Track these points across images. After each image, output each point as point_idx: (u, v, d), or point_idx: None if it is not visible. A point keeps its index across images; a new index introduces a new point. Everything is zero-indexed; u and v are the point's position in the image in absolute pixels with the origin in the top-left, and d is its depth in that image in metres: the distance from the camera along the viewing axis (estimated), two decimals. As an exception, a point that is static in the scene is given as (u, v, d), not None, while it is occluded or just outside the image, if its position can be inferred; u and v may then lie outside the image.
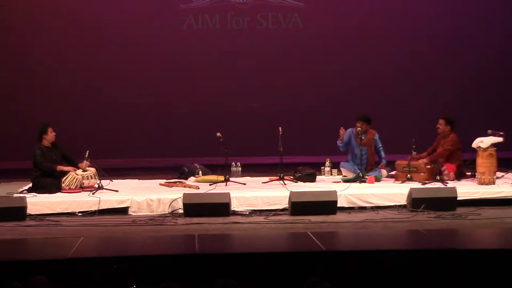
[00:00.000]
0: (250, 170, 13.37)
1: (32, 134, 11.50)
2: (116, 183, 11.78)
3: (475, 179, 11.67)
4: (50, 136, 11.34)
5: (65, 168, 11.21)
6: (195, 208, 10.39)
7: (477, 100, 15.39)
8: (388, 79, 15.39)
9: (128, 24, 15.10)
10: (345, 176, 12.30)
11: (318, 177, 12.37)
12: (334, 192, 10.64)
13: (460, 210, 10.46)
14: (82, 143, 12.56)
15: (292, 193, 10.57)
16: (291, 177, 12.17)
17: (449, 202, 10.58)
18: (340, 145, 12.25)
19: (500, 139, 11.57)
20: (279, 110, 15.05)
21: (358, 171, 11.98)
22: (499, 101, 15.41)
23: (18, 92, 14.97)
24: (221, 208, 10.39)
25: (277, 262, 7.85)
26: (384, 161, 12.37)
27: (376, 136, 12.40)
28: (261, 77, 15.33)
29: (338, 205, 10.54)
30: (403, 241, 9.28)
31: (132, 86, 15.15)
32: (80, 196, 10.82)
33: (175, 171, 12.88)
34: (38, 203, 10.50)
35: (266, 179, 12.11)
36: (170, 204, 10.56)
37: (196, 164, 12.84)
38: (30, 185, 11.27)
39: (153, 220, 10.14)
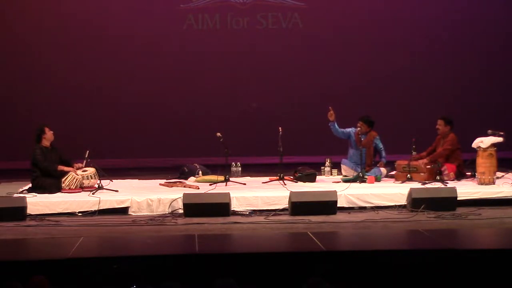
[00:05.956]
0: (250, 170, 13.37)
1: (32, 134, 11.49)
2: (116, 183, 11.78)
3: (475, 179, 11.67)
4: (49, 134, 11.35)
5: (66, 169, 11.22)
6: (195, 208, 10.39)
7: (477, 100, 15.40)
8: (388, 79, 15.40)
9: (128, 24, 15.10)
10: (345, 176, 12.31)
11: (318, 177, 12.38)
12: (334, 192, 10.64)
13: (460, 210, 10.46)
14: (82, 143, 12.57)
15: (292, 193, 10.57)
16: (291, 177, 12.17)
17: (449, 202, 10.58)
18: (332, 127, 12.27)
19: (500, 139, 11.57)
20: (279, 110, 15.06)
21: (359, 170, 11.99)
22: (499, 101, 15.42)
23: (18, 93, 14.97)
24: (221, 208, 10.39)
25: (277, 262, 7.85)
26: (384, 160, 12.39)
27: (377, 139, 12.40)
28: (261, 77, 15.34)
29: (338, 205, 10.54)
30: (403, 241, 9.28)
31: (132, 86, 15.15)
32: (80, 196, 10.82)
33: (175, 171, 12.88)
34: (38, 203, 10.49)
35: (266, 179, 12.11)
36: (170, 204, 10.56)
37: (196, 164, 12.84)
38: (30, 185, 11.27)
39: (153, 220, 10.14)
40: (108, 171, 11.76)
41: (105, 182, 11.39)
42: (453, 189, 10.81)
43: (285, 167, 12.11)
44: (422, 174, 11.77)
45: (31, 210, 10.33)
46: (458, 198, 10.68)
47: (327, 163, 12.91)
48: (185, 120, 15.22)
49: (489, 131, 11.69)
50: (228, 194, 10.58)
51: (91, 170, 11.27)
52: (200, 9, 15.33)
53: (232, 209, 10.49)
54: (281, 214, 10.42)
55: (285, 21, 15.42)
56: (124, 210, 10.58)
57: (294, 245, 8.95)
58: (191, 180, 12.18)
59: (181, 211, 10.45)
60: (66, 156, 11.50)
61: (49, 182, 11.07)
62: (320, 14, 15.44)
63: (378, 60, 15.39)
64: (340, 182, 11.97)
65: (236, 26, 15.40)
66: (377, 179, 11.94)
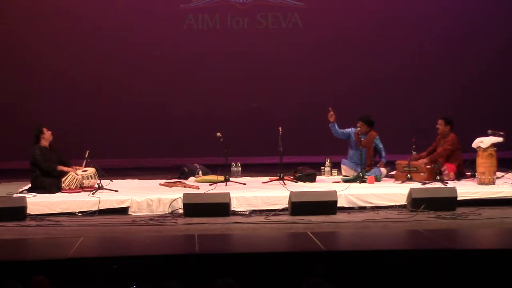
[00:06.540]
0: (250, 170, 13.37)
1: (32, 134, 11.49)
2: (116, 183, 11.78)
3: (475, 179, 11.67)
4: (47, 135, 11.35)
5: (65, 169, 11.22)
6: (195, 208, 10.39)
7: (477, 100, 15.39)
8: (388, 79, 15.39)
9: (128, 24, 15.10)
10: (345, 176, 12.31)
11: (318, 177, 12.38)
12: (334, 192, 10.64)
13: (460, 210, 10.46)
14: (82, 143, 12.57)
15: (292, 193, 10.57)
16: (291, 177, 12.17)
17: (449, 202, 10.58)
18: (332, 128, 12.27)
19: (500, 139, 11.58)
20: (279, 110, 15.06)
21: (358, 170, 11.99)
22: (499, 101, 15.41)
23: (18, 92, 14.96)
24: (221, 208, 10.39)
25: (277, 262, 7.85)
26: (383, 160, 12.39)
27: (377, 139, 12.41)
28: (261, 77, 15.33)
29: (338, 205, 10.54)
30: (403, 241, 9.27)
31: (132, 86, 15.15)
32: (80, 196, 10.82)
33: (175, 171, 12.88)
34: (38, 203, 10.49)
35: (266, 179, 12.11)
36: (170, 204, 10.56)
37: (196, 164, 12.84)
38: (30, 185, 11.26)
39: (153, 220, 10.14)
40: (108, 171, 11.77)
41: (105, 182, 11.39)
42: (453, 189, 10.81)
43: (285, 167, 12.11)
44: (422, 174, 11.77)
45: (31, 210, 10.33)
46: (458, 198, 10.69)
47: (327, 163, 12.91)
48: (185, 120, 15.22)
49: (489, 131, 11.69)
50: (228, 194, 10.58)
51: (91, 170, 11.27)
52: (200, 9, 15.32)
53: (232, 209, 10.50)
54: (281, 214, 10.42)
55: (285, 21, 15.42)
56: (124, 210, 10.59)
57: (294, 245, 8.95)
58: (191, 180, 12.18)
59: (181, 211, 10.45)
60: (65, 157, 11.50)
61: (49, 182, 11.07)
62: (320, 14, 15.43)
63: (378, 60, 15.39)
64: (340, 182, 11.97)
65: (236, 26, 15.39)
66: (377, 179, 11.94)
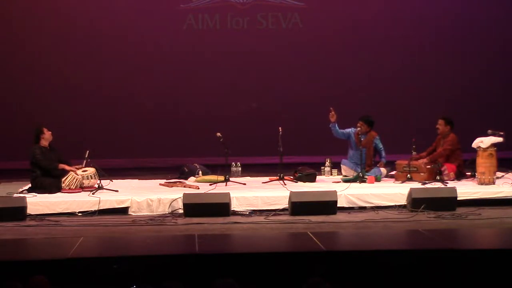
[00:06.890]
0: (250, 170, 13.38)
1: (32, 134, 11.49)
2: (116, 183, 11.78)
3: (475, 179, 11.67)
4: (47, 135, 11.36)
5: (67, 167, 11.22)
6: (195, 208, 10.39)
7: (477, 100, 15.40)
8: (388, 79, 15.39)
9: (128, 24, 15.10)
10: (345, 176, 12.31)
11: (318, 177, 12.38)
12: (334, 192, 10.64)
13: (460, 210, 10.46)
14: (82, 143, 12.58)
15: (292, 193, 10.57)
16: (291, 177, 12.17)
17: (449, 202, 10.58)
18: (332, 128, 12.27)
19: (500, 139, 11.58)
20: (279, 110, 15.06)
21: (358, 170, 11.99)
22: (499, 101, 15.42)
23: (18, 92, 14.96)
24: (221, 208, 10.39)
25: (277, 262, 7.85)
26: (383, 160, 12.39)
27: (377, 139, 12.41)
28: (261, 77, 15.33)
29: (338, 205, 10.54)
30: (403, 241, 9.28)
31: (132, 86, 15.15)
32: (80, 196, 10.83)
33: (175, 171, 12.88)
34: (38, 203, 10.49)
35: (266, 179, 12.11)
36: (170, 204, 10.56)
37: (196, 164, 12.84)
38: (30, 185, 11.26)
39: (153, 220, 10.14)
40: (108, 171, 11.77)
41: (105, 182, 11.39)
42: (453, 189, 10.81)
43: (285, 167, 12.11)
44: (422, 174, 11.77)
45: (31, 210, 10.33)
46: (458, 198, 10.69)
47: (327, 163, 12.91)
48: (185, 120, 15.22)
49: (489, 131, 11.70)
50: (228, 194, 10.58)
51: (91, 170, 11.27)
52: (200, 9, 15.32)
53: (232, 209, 10.50)
54: (281, 214, 10.42)
55: (285, 21, 15.42)
56: (124, 210, 10.59)
57: (294, 245, 8.95)
58: (191, 180, 12.18)
59: (181, 211, 10.45)
60: (65, 158, 11.50)
61: (49, 182, 11.07)
62: (320, 14, 15.44)
63: (378, 60, 15.38)
64: (340, 182, 11.97)
65: (236, 26, 15.39)
66: (377, 179, 11.95)
